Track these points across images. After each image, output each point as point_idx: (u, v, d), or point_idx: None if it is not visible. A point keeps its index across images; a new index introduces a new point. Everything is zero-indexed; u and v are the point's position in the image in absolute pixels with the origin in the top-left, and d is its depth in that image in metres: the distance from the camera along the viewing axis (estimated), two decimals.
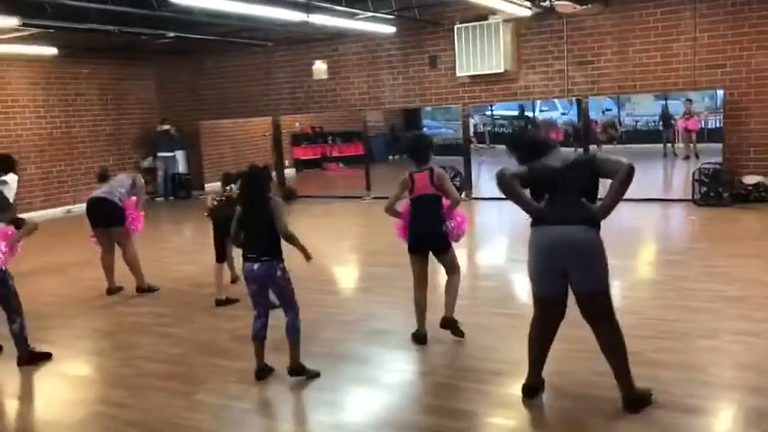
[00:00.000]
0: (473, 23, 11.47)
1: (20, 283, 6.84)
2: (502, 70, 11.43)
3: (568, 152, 3.70)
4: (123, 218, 6.86)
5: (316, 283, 7.03)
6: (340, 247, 8.72)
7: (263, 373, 4.45)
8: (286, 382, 4.37)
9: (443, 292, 5.08)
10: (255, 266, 4.32)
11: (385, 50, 12.95)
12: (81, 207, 13.66)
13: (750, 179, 10.11)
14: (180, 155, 15.34)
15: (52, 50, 12.17)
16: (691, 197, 10.28)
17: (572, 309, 5.44)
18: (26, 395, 4.62)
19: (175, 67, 15.28)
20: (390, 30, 11.96)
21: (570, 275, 3.67)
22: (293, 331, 4.38)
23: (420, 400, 4.08)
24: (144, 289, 6.91)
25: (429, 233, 4.92)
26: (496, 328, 5.26)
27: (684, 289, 5.87)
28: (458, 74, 11.94)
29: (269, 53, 14.05)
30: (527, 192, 3.77)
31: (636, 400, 3.67)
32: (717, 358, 4.41)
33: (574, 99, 11.56)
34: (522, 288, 6.70)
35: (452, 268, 5.07)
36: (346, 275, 7.73)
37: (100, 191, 7.01)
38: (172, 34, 11.19)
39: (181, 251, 9.15)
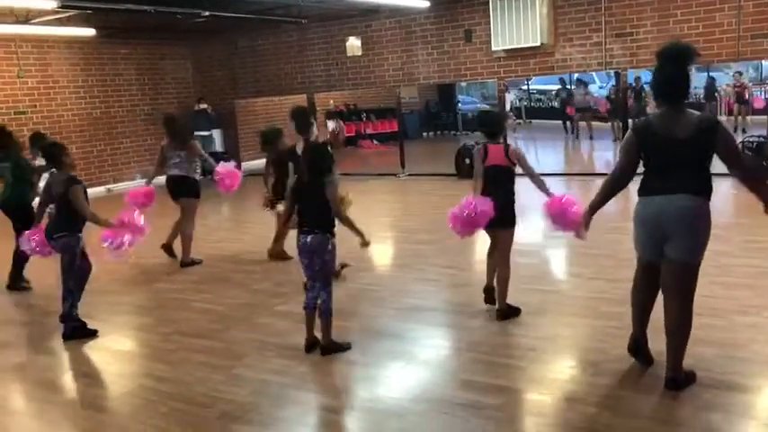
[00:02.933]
0: None
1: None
2: (538, 44, 11.24)
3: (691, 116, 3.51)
4: (192, 191, 7.22)
5: (352, 259, 7.07)
6: (376, 224, 8.73)
7: (312, 345, 4.53)
8: (324, 357, 4.43)
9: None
10: (309, 238, 4.39)
11: (419, 25, 12.83)
12: (121, 186, 13.98)
13: None
14: (217, 134, 15.49)
15: (90, 32, 12.35)
16: None
17: (611, 285, 5.42)
18: (74, 369, 4.77)
19: (211, 46, 15.37)
20: (424, 4, 11.83)
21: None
22: (326, 312, 4.47)
23: (456, 375, 4.09)
24: (187, 263, 7.16)
25: (497, 204, 4.73)
26: (532, 305, 5.24)
27: (726, 265, 5.76)
28: (493, 48, 11.78)
29: (303, 30, 14.04)
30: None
31: (679, 382, 3.61)
32: (758, 335, 4.33)
33: (612, 72, 11.33)
34: (558, 265, 6.68)
35: (502, 256, 4.97)
36: (382, 252, 7.76)
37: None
38: (206, 13, 11.25)
39: (219, 228, 9.27)
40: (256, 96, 15.31)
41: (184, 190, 7.18)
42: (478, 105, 16.03)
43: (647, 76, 11.78)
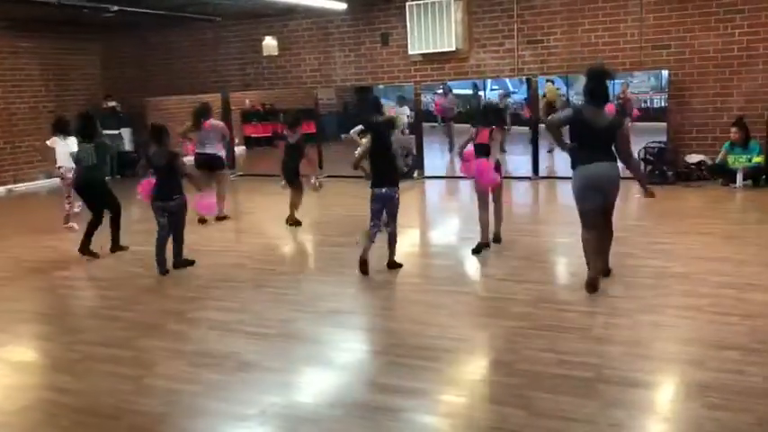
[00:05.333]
0: (424, 1, 11.41)
1: None
2: (453, 49, 11.43)
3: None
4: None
5: (267, 263, 6.98)
6: (291, 227, 8.65)
7: (366, 266, 6.12)
8: (237, 364, 4.34)
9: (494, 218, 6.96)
10: (384, 190, 6.04)
11: (336, 27, 12.81)
12: (22, 186, 13.26)
13: (693, 158, 10.39)
14: (126, 133, 14.93)
15: None
16: None
17: (521, 286, 5.56)
18: None
19: (121, 42, 14.83)
20: (341, 6, 11.82)
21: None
22: (393, 237, 6.26)
23: (373, 379, 4.08)
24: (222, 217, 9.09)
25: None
26: (448, 306, 5.31)
27: (630, 266, 6.01)
28: (410, 52, 11.89)
29: (218, 28, 13.75)
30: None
31: (608, 271, 5.67)
32: (661, 333, 4.53)
33: (524, 78, 11.64)
34: (473, 266, 6.79)
35: (498, 200, 6.95)
36: (297, 255, 7.69)
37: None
38: (115, 8, 10.83)
39: (128, 231, 8.89)
40: (168, 95, 14.85)
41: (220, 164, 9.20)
42: (396, 109, 16.10)
43: (557, 83, 12.14)
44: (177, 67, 14.49)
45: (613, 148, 5.30)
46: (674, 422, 3.46)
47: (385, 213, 6.15)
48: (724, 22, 10.07)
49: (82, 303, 5.89)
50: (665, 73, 10.54)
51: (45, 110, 14.06)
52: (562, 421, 3.42)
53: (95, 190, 7.51)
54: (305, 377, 4.19)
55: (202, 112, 9.09)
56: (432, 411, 3.70)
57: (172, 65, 14.54)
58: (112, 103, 14.52)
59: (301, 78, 13.41)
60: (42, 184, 13.82)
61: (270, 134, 17.81)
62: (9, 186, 13.31)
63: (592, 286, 5.32)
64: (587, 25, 10.88)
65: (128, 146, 14.94)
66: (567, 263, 6.46)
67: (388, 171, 6.12)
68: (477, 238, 6.85)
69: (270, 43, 13.19)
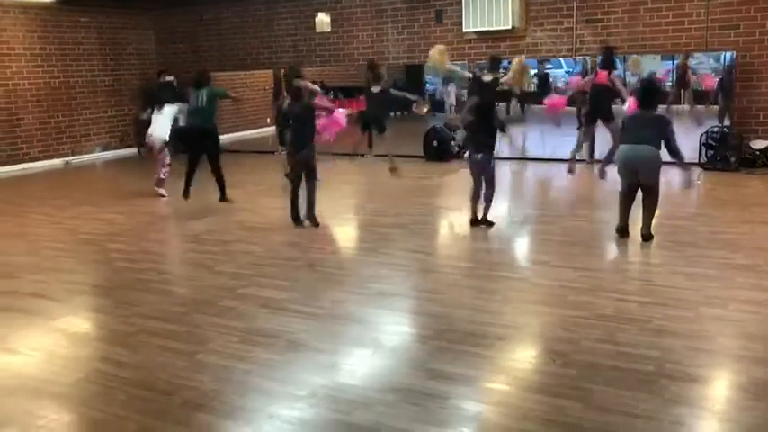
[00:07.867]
0: None
1: (16, 237, 6.80)
2: (509, 27, 11.16)
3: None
4: None
5: (319, 242, 6.97)
6: (341, 206, 8.63)
7: (476, 220, 6.94)
8: (287, 344, 4.34)
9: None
10: (479, 156, 6.81)
11: (390, 3, 12.64)
12: (79, 159, 13.56)
13: (758, 144, 9.95)
14: (182, 107, 15.06)
15: None
16: (697, 160, 10.14)
17: (578, 273, 5.41)
18: (22, 352, 4.51)
19: (174, 17, 14.94)
20: None
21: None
22: (490, 198, 6.92)
23: (422, 364, 4.02)
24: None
25: (600, 110, 8.52)
26: (500, 292, 5.21)
27: (692, 256, 5.80)
28: (464, 29, 11.66)
29: (271, 4, 13.72)
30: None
31: (651, 236, 6.22)
32: (724, 327, 4.35)
33: (580, 58, 11.32)
34: (525, 252, 6.66)
35: (612, 132, 8.09)
36: (348, 235, 7.66)
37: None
38: None
39: (183, 209, 9.02)
40: (221, 70, 14.92)
41: None
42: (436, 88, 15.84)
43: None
44: (230, 43, 14.53)
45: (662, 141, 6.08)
46: (738, 422, 3.31)
47: (483, 179, 6.87)
48: None
49: (136, 276, 5.96)
50: (728, 54, 10.09)
51: (102, 84, 14.31)
52: (621, 416, 3.31)
53: (202, 132, 8.12)
54: (354, 359, 4.15)
55: (293, 74, 9.53)
56: (483, 400, 3.62)
57: (225, 41, 14.59)
58: (169, 78, 14.63)
59: (353, 55, 13.30)
60: (98, 156, 14.13)
61: None
62: (66, 159, 13.62)
63: (622, 231, 6.36)
64: (650, 4, 10.46)
65: (181, 121, 15.06)
66: (625, 250, 6.27)
67: (484, 138, 6.81)
68: (527, 222, 6.74)
69: (323, 19, 13.11)
